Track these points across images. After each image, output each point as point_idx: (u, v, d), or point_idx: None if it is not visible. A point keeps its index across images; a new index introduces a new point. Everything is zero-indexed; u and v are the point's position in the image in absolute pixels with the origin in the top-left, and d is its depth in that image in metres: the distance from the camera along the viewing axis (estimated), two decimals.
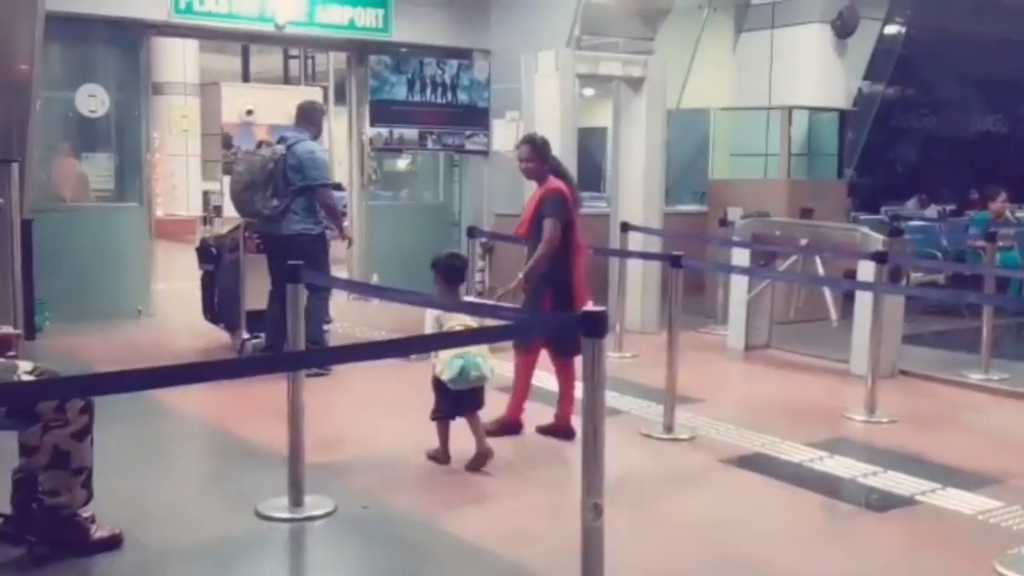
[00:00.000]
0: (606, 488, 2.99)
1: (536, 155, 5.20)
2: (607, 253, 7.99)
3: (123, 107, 8.49)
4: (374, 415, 5.64)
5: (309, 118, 6.68)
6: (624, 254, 7.57)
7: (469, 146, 9.81)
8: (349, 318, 8.06)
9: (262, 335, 6.83)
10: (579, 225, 5.27)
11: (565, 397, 5.24)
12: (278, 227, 6.45)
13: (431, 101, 9.56)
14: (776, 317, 7.94)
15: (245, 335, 6.93)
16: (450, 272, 4.91)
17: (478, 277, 8.84)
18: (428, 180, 10.60)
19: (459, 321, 4.69)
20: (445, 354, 4.63)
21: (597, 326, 3.02)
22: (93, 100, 8.28)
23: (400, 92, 9.42)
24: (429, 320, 4.78)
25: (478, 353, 4.64)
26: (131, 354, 6.92)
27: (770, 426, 5.48)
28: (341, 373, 6.15)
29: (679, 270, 5.41)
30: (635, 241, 7.83)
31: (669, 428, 5.29)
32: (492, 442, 4.82)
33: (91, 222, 8.26)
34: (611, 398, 5.49)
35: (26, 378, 3.46)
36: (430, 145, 9.63)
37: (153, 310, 8.53)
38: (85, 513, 3.58)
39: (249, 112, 14.42)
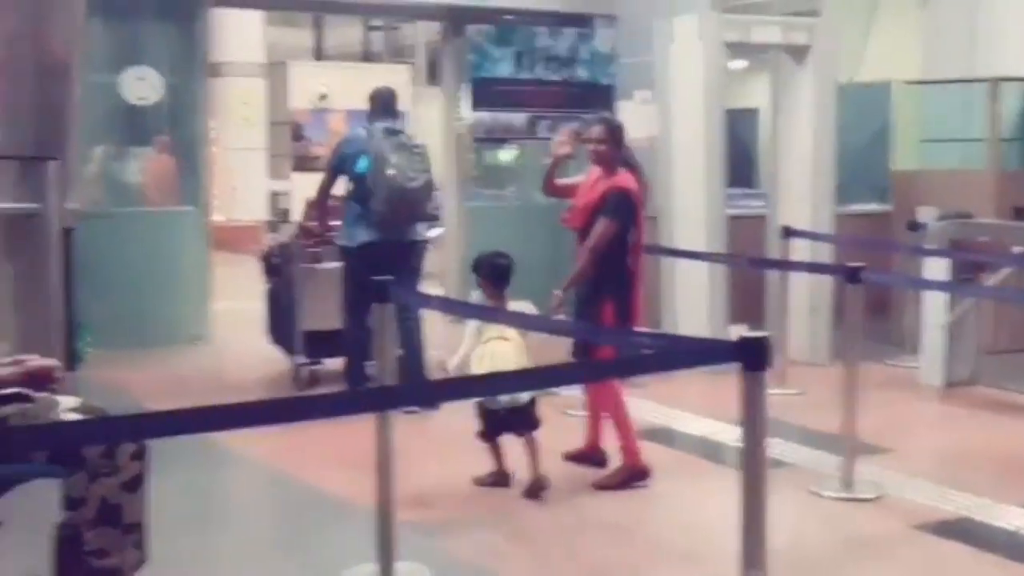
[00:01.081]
0: (769, 560, 2.96)
1: (611, 138, 5.38)
2: (765, 265, 7.89)
3: (177, 92, 8.79)
4: (475, 461, 5.68)
5: (390, 107, 6.88)
6: (787, 266, 7.47)
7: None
8: (446, 344, 8.11)
9: (322, 361, 7.18)
10: (644, 230, 5.49)
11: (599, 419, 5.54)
12: (412, 233, 6.73)
13: (543, 79, 9.63)
14: (984, 345, 7.72)
15: (301, 359, 7.17)
16: (495, 273, 5.23)
17: None
18: (539, 175, 10.62)
19: (498, 332, 5.01)
20: (476, 367, 5.00)
21: (757, 356, 2.99)
22: (142, 85, 8.59)
23: (505, 69, 9.51)
24: (470, 331, 5.12)
25: (511, 367, 4.90)
26: (188, 388, 7.14)
27: (978, 483, 5.34)
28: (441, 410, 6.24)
29: (857, 286, 5.33)
30: (800, 250, 7.73)
31: (848, 485, 5.21)
32: (620, 498, 4.81)
33: (139, 230, 8.56)
34: (773, 446, 5.42)
35: (70, 417, 3.60)
36: (542, 133, 9.69)
37: (212, 335, 8.77)
38: None
39: (323, 96, 14.75)
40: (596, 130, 5.39)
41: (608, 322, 5.24)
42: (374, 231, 6.59)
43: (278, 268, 7.43)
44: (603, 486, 5.26)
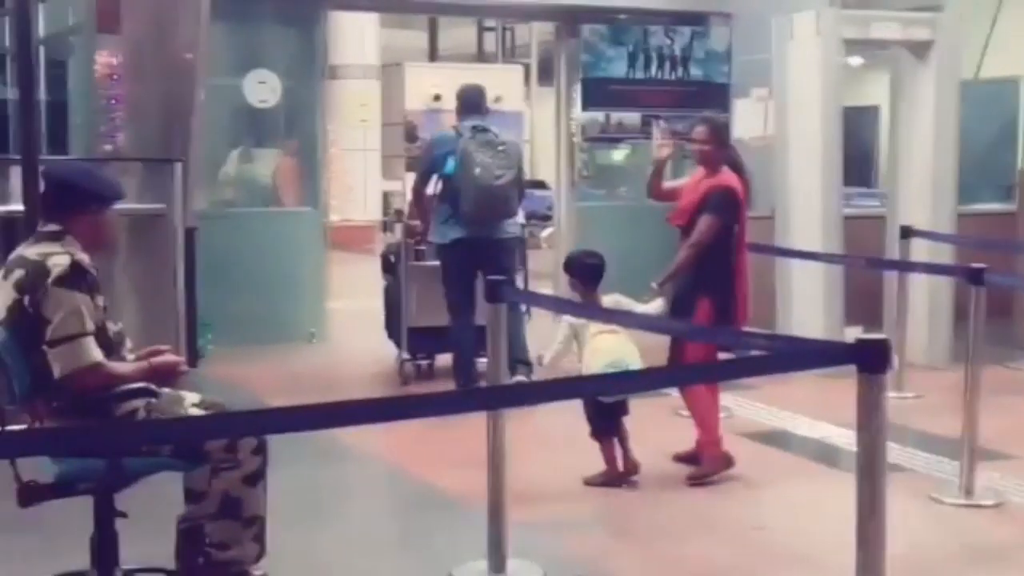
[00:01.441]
0: (888, 567, 2.92)
1: (714, 138, 5.48)
2: (883, 266, 7.76)
3: (295, 95, 8.97)
4: (585, 459, 5.71)
5: (477, 105, 6.98)
6: (906, 267, 7.33)
7: None
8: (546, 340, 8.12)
9: (433, 356, 7.47)
10: (748, 229, 5.57)
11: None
12: (501, 231, 6.85)
13: (657, 79, 9.60)
14: None
15: (404, 355, 7.42)
16: (585, 273, 5.36)
17: None
18: None
19: (598, 328, 5.13)
20: (591, 362, 5.10)
21: (876, 358, 2.95)
22: (263, 88, 8.78)
23: (619, 68, 9.50)
24: (562, 328, 5.27)
25: (628, 357, 5.10)
26: (304, 385, 7.27)
27: None
28: (545, 407, 6.25)
29: (980, 288, 5.21)
30: (920, 250, 7.58)
31: (968, 491, 5.10)
32: (732, 499, 4.77)
33: (257, 229, 8.74)
34: (891, 451, 5.33)
35: (194, 412, 3.71)
36: (656, 133, 9.65)
37: (327, 333, 8.93)
38: (257, 572, 3.79)
39: (437, 97, 14.85)
40: (700, 130, 5.49)
41: (703, 321, 5.30)
42: (463, 228, 6.75)
43: (393, 266, 7.65)
44: (696, 480, 5.32)
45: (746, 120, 9.46)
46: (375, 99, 16.73)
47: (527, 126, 18.06)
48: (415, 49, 18.61)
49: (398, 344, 7.62)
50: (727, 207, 5.37)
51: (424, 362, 7.59)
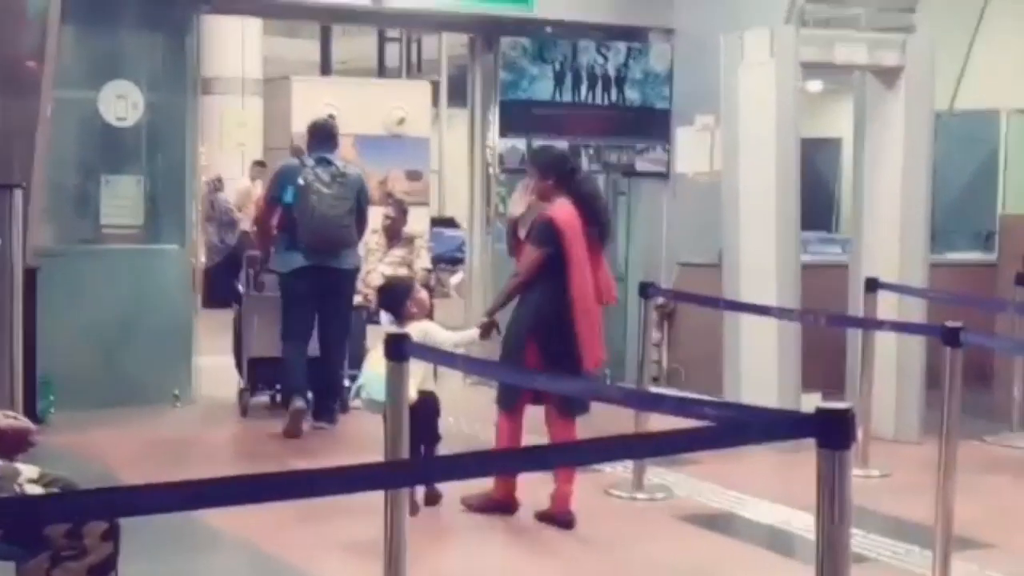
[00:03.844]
0: None
1: (537, 172, 6.18)
2: (845, 323, 7.86)
3: (161, 112, 8.89)
4: (495, 547, 5.68)
5: (327, 138, 8.14)
6: (871, 324, 7.43)
7: (641, 165, 9.84)
8: (465, 409, 8.10)
9: (270, 390, 8.49)
10: (590, 263, 6.05)
11: (563, 472, 5.85)
12: (341, 261, 7.93)
13: (587, 102, 9.67)
14: None
15: (242, 384, 8.41)
16: (383, 306, 6.12)
17: (654, 354, 8.82)
18: None
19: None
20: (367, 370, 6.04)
21: (838, 431, 2.98)
22: (122, 103, 8.70)
23: (543, 89, 9.56)
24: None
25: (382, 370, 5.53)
26: (165, 456, 7.17)
27: None
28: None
29: (956, 349, 5.30)
30: (888, 305, 7.71)
31: None
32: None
33: (112, 270, 8.62)
34: (855, 538, 5.38)
35: (31, 489, 3.62)
36: (585, 164, 9.73)
37: (194, 394, 8.81)
38: None
39: (330, 117, 14.82)
40: (528, 167, 6.36)
41: (532, 364, 5.87)
42: (304, 257, 7.83)
43: (239, 294, 8.56)
44: (469, 504, 6.02)
45: (689, 152, 9.56)
46: (257, 118, 16.70)
47: (435, 153, 18.19)
48: (304, 61, 18.63)
49: (241, 375, 8.36)
50: (546, 238, 5.98)
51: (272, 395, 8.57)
